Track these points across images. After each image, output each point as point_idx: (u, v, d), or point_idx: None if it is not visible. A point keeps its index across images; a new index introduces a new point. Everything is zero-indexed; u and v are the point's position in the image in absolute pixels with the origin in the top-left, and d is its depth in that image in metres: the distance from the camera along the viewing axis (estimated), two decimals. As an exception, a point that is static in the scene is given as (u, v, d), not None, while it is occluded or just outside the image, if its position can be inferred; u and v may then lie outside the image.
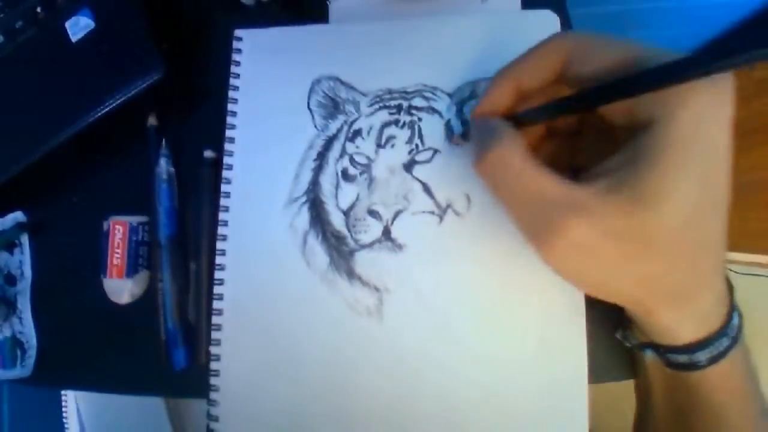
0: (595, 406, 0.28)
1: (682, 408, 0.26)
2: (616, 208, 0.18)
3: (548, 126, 0.28)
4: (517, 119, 0.24)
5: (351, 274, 0.33)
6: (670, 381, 0.26)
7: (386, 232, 0.33)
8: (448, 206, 0.33)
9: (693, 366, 0.23)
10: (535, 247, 0.21)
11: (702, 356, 0.23)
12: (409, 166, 0.33)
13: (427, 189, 0.33)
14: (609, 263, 0.20)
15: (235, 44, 0.38)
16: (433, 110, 0.34)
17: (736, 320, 0.23)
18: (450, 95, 0.34)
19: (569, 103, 0.22)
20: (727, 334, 0.23)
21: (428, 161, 0.33)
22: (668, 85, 0.17)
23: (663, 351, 0.25)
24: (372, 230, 0.33)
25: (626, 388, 0.32)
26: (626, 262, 0.19)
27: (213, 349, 0.34)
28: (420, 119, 0.34)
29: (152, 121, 0.38)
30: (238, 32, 0.38)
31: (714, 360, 0.23)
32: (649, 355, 0.26)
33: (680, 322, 0.22)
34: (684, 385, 0.25)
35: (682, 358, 0.23)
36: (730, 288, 0.24)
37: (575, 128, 0.27)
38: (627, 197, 0.18)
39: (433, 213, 0.33)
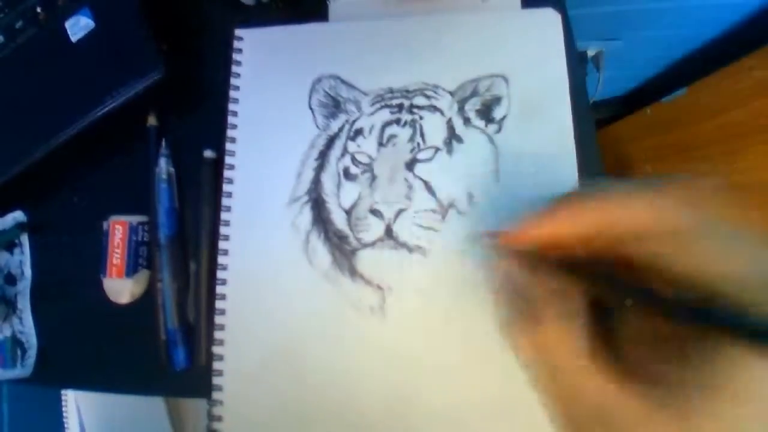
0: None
1: None
2: (663, 426, 0.16)
3: None
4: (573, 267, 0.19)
5: (353, 273, 0.33)
6: None
7: (388, 231, 0.33)
8: (450, 204, 0.33)
9: None
10: None
11: None
12: (410, 165, 0.33)
13: (428, 187, 0.33)
14: None
15: (236, 44, 0.38)
16: (435, 108, 0.34)
17: None
18: (451, 93, 0.34)
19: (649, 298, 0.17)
20: None
21: (430, 159, 0.33)
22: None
23: None
24: (374, 229, 0.33)
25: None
26: None
27: (216, 349, 0.34)
28: (421, 118, 0.34)
29: (152, 121, 0.38)
30: (238, 32, 0.38)
31: None
32: None
33: None
34: None
35: None
36: None
37: None
38: (672, 424, 0.16)
39: (435, 211, 0.33)
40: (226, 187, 0.36)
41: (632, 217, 0.17)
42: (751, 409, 0.15)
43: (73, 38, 0.37)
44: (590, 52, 0.79)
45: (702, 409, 0.15)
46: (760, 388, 0.15)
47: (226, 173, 0.36)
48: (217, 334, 0.34)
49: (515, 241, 0.20)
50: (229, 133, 0.36)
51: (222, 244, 0.35)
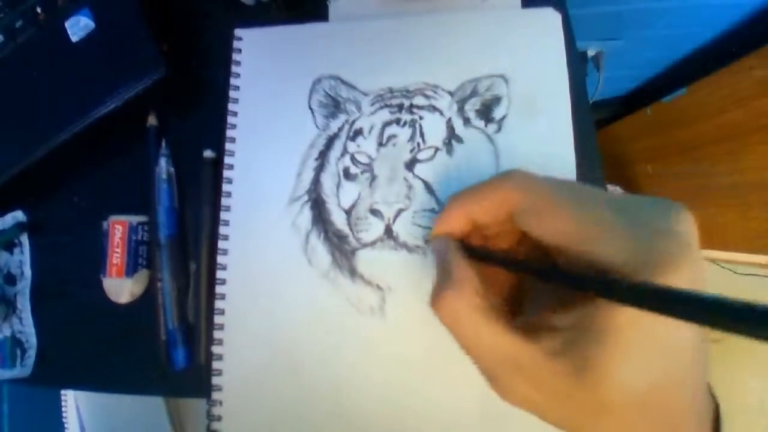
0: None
1: None
2: (560, 373, 0.18)
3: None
4: (473, 251, 0.23)
5: (353, 273, 0.33)
6: None
7: (388, 231, 0.33)
8: (450, 205, 0.32)
9: None
10: (492, 389, 0.21)
11: None
12: (410, 165, 0.33)
13: (428, 187, 0.33)
14: (559, 417, 0.20)
15: (236, 44, 0.38)
16: (434, 108, 0.34)
17: None
18: (451, 93, 0.34)
19: (518, 266, 0.22)
20: None
21: (430, 159, 0.33)
22: (625, 304, 0.16)
23: None
24: (374, 229, 0.33)
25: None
26: (576, 420, 0.19)
27: (215, 349, 0.34)
28: (421, 118, 0.34)
29: (152, 121, 0.38)
30: (238, 32, 0.38)
31: None
32: None
33: None
34: None
35: None
36: None
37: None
38: (571, 365, 0.18)
39: (434, 211, 0.33)
40: (225, 187, 0.36)
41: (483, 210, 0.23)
42: (624, 348, 0.17)
43: (73, 38, 0.37)
44: (590, 52, 0.79)
45: (592, 353, 0.18)
46: (629, 330, 0.17)
47: (226, 173, 0.36)
48: (217, 334, 0.34)
49: (435, 233, 0.25)
50: (229, 133, 0.36)
51: (222, 244, 0.35)
